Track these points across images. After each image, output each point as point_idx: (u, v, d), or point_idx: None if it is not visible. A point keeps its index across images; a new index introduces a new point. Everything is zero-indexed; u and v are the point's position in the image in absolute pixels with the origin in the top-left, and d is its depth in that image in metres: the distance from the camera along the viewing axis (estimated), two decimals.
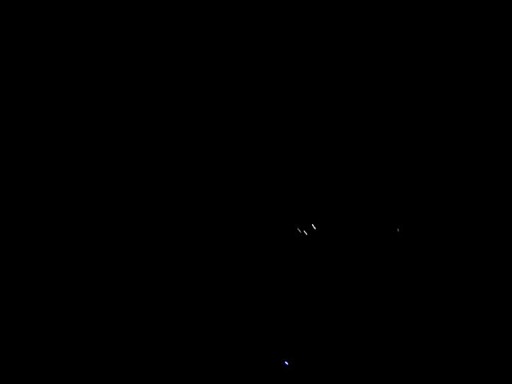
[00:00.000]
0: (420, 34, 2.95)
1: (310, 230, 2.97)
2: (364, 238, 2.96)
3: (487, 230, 2.89)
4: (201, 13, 2.96)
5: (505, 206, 2.88)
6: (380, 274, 2.90)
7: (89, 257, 2.85)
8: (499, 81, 2.92)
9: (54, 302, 2.79)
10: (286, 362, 2.73)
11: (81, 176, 2.90)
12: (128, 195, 2.92)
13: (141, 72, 2.95)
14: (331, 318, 2.82)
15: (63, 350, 2.73)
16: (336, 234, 2.97)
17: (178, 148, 2.97)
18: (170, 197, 2.93)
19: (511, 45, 2.90)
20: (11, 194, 2.84)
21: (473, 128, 2.94)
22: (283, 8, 2.96)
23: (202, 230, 2.92)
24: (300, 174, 3.01)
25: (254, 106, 3.00)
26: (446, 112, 2.98)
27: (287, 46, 2.98)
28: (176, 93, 2.97)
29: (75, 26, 2.91)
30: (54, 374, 2.68)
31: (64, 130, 2.90)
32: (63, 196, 2.88)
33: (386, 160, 3.02)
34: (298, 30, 2.98)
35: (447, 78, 2.97)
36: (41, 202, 2.86)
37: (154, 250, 2.90)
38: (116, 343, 2.76)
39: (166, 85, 2.97)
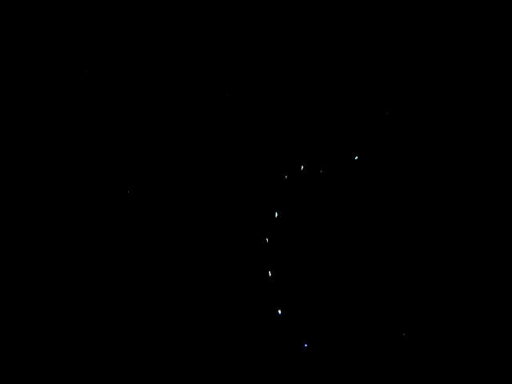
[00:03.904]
0: (420, 34, 2.96)
1: (309, 230, 2.97)
2: (364, 238, 2.96)
3: (487, 229, 2.89)
4: (201, 13, 2.97)
5: (505, 206, 2.89)
6: (380, 273, 2.90)
7: (88, 257, 2.85)
8: (499, 81, 2.93)
9: (53, 301, 2.79)
10: (306, 344, 2.71)
11: (80, 176, 2.90)
12: (128, 195, 2.92)
13: (141, 72, 2.96)
14: (331, 318, 2.82)
15: (63, 349, 2.73)
16: (336, 234, 2.97)
17: (178, 148, 2.97)
18: (170, 197, 2.94)
19: (511, 45, 2.91)
20: (11, 194, 2.84)
21: (473, 128, 2.95)
22: (283, 8, 2.96)
23: (201, 231, 2.92)
24: (300, 174, 3.02)
25: (253, 106, 3.01)
26: (445, 111, 2.99)
27: (287, 46, 2.99)
28: (176, 93, 2.97)
29: (75, 26, 2.91)
30: (54, 374, 2.68)
31: (64, 129, 2.91)
32: (63, 195, 2.88)
33: (385, 160, 3.03)
34: (298, 30, 2.98)
35: (447, 77, 2.98)
36: (40, 201, 2.86)
37: (153, 249, 2.90)
38: (116, 343, 2.76)
39: (165, 84, 2.97)
